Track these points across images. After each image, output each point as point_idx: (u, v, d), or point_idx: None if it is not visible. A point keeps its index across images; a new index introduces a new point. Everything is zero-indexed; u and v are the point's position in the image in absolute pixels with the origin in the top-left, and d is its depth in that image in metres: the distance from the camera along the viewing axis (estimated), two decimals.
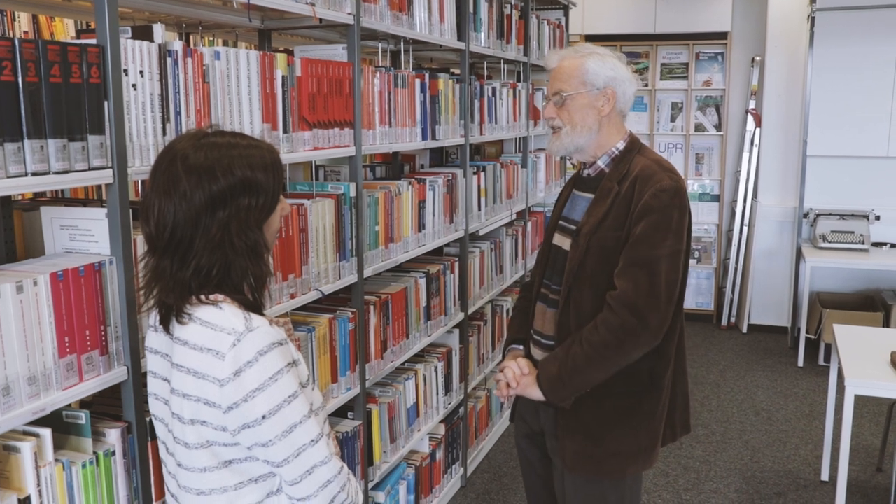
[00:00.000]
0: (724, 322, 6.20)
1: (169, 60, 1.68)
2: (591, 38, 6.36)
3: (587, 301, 1.96)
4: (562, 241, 2.07)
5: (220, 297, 1.35)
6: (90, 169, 1.51)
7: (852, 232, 5.34)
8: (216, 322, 1.32)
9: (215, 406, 1.30)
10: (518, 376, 2.06)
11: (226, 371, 1.28)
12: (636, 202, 1.91)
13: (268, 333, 1.32)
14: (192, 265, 1.32)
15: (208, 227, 1.31)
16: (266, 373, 1.30)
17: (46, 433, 1.45)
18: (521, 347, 2.21)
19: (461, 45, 3.35)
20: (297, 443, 1.33)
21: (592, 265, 1.95)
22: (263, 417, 1.30)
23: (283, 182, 1.44)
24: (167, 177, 1.32)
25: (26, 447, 1.40)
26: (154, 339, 1.45)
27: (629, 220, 1.91)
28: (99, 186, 2.83)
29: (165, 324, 1.37)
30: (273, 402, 1.30)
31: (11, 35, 3.29)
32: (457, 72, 3.96)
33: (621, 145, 2.03)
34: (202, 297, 1.34)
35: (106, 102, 1.53)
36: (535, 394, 2.01)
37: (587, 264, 1.95)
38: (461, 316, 3.46)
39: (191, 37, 2.68)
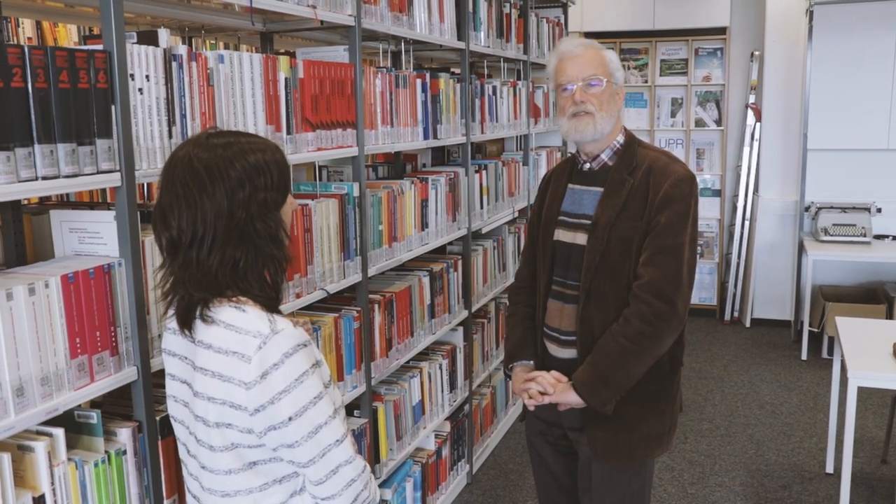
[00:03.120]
0: (728, 317, 6.21)
1: (174, 64, 1.71)
2: (590, 36, 6.37)
3: (610, 292, 1.98)
4: (572, 237, 2.07)
5: (242, 298, 1.36)
6: (99, 172, 1.53)
7: (854, 225, 5.35)
8: (240, 325, 1.32)
9: (241, 409, 1.31)
10: (553, 384, 2.01)
11: (252, 374, 1.29)
12: (654, 192, 1.95)
13: (292, 335, 1.33)
14: (219, 254, 1.32)
15: (232, 212, 1.32)
16: (292, 375, 1.30)
17: (59, 433, 1.47)
18: (531, 363, 2.17)
19: (461, 45, 3.37)
20: (322, 443, 1.34)
21: (613, 257, 1.97)
22: (290, 419, 1.30)
23: (290, 176, 1.46)
24: (184, 177, 1.32)
25: (40, 447, 1.42)
26: (172, 341, 1.44)
27: (648, 210, 1.95)
28: (104, 189, 2.86)
29: (188, 325, 1.36)
30: (299, 404, 1.31)
31: (16, 41, 3.32)
32: (457, 71, 3.98)
33: (621, 139, 2.08)
34: (226, 297, 1.35)
35: (113, 107, 1.55)
36: (573, 399, 1.98)
37: (608, 256, 1.97)
38: (465, 314, 3.48)
39: (193, 41, 2.70)
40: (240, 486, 1.37)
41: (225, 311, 1.34)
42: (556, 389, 2.00)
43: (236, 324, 1.33)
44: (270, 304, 1.39)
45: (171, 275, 1.37)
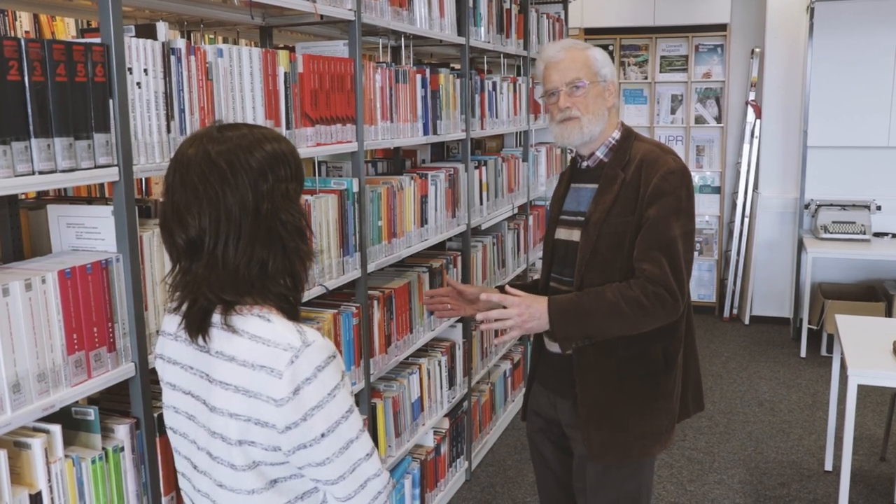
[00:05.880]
0: (727, 314, 6.21)
1: (172, 58, 1.69)
2: (590, 32, 6.37)
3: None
4: (569, 234, 2.08)
5: (264, 308, 1.27)
6: (96, 167, 1.52)
7: (853, 222, 5.35)
8: (268, 337, 1.23)
9: (269, 426, 1.22)
10: (522, 300, 1.90)
11: (284, 390, 1.20)
12: (644, 186, 1.94)
13: (323, 347, 1.25)
14: (246, 253, 1.24)
15: (258, 205, 1.24)
16: (324, 389, 1.23)
17: (56, 429, 1.46)
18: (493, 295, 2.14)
19: (461, 40, 3.35)
20: (353, 458, 1.27)
21: (604, 252, 1.96)
22: (322, 436, 1.23)
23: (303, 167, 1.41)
24: (202, 172, 1.23)
25: (37, 443, 1.41)
26: (173, 348, 1.35)
27: (639, 204, 1.94)
28: (102, 184, 2.84)
29: (203, 332, 1.26)
30: (332, 420, 1.24)
31: (13, 34, 3.30)
32: (457, 67, 3.96)
33: (617, 135, 2.07)
34: (248, 304, 1.26)
35: (111, 101, 1.54)
36: (539, 324, 1.90)
37: (599, 251, 1.97)
38: None
39: (192, 34, 2.69)
40: None
41: (249, 321, 1.25)
42: (527, 311, 1.89)
43: (264, 335, 1.23)
44: (291, 311, 1.31)
45: (186, 278, 1.27)
